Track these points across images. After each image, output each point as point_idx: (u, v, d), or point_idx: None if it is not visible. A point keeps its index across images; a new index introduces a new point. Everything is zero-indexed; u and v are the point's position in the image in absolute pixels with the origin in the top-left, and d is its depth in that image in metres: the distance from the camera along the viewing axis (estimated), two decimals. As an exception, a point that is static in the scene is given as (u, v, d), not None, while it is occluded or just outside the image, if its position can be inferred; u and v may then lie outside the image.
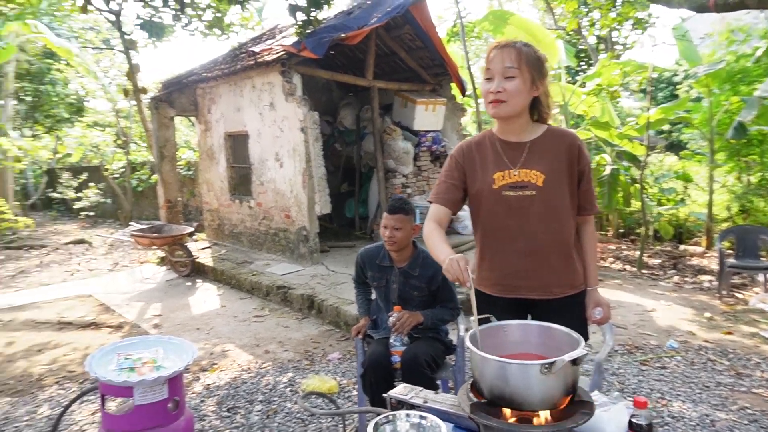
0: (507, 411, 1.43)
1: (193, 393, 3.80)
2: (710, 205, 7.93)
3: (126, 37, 7.61)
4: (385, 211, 2.78)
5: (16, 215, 11.65)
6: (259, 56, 6.84)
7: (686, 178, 8.76)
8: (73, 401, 2.43)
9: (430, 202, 2.08)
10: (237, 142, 8.11)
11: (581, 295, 2.09)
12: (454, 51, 8.47)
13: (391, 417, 1.69)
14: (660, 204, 8.53)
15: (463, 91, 8.36)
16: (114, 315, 6.04)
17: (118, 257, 9.50)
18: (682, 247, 8.32)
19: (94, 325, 5.69)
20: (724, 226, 7.97)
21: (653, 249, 8.09)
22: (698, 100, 8.39)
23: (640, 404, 1.39)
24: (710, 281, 6.44)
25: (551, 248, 1.99)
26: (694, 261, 7.45)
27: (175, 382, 2.07)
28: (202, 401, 3.65)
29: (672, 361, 4.14)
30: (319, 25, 5.77)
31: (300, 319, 5.55)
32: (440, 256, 1.84)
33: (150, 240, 7.57)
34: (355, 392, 3.65)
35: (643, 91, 10.98)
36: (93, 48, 15.30)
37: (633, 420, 1.41)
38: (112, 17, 7.84)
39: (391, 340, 2.67)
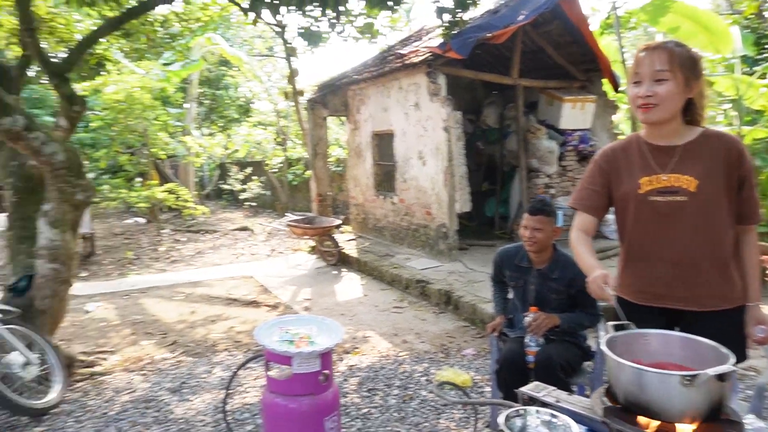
0: (643, 419, 1.42)
1: (337, 371, 4.15)
2: None
3: (288, 45, 8.39)
4: (525, 212, 2.81)
5: (195, 203, 13.45)
6: (406, 58, 7.13)
7: None
8: (244, 364, 2.84)
9: (572, 208, 2.08)
10: (383, 141, 8.52)
11: (739, 310, 1.94)
12: (607, 44, 7.98)
13: (521, 411, 1.76)
14: None
15: (615, 86, 7.87)
16: (271, 296, 6.74)
17: (275, 244, 10.51)
18: None
19: (254, 303, 6.42)
20: None
21: None
22: None
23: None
24: None
25: (703, 257, 1.89)
26: None
27: (325, 357, 2.34)
28: (345, 380, 3.98)
29: None
30: (465, 25, 5.85)
31: (437, 314, 5.72)
32: (586, 268, 1.86)
33: (303, 230, 8.29)
34: (487, 388, 3.72)
35: None
36: (259, 56, 17.01)
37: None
38: (277, 28, 8.69)
39: (527, 340, 2.69)
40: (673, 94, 1.82)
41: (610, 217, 2.10)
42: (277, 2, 4.84)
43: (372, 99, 8.55)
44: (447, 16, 5.44)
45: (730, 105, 7.52)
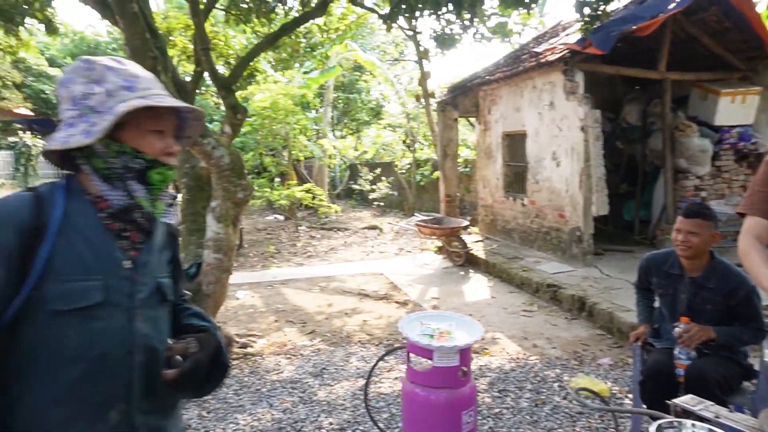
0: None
1: (467, 370, 4.21)
2: None
3: (421, 49, 8.61)
4: (680, 215, 2.63)
5: (328, 203, 14.28)
6: (541, 56, 6.96)
7: None
8: (385, 355, 3.03)
9: (740, 214, 1.93)
10: (514, 141, 8.39)
11: None
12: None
13: (675, 423, 1.69)
14: None
15: (787, 76, 6.96)
16: (400, 293, 6.97)
17: (403, 243, 10.80)
18: None
19: (385, 299, 6.68)
20: None
21: None
22: None
23: None
24: None
25: None
26: None
27: (464, 353, 2.42)
28: (475, 379, 4.03)
29: None
30: (608, 18, 5.57)
31: (569, 320, 5.52)
32: (761, 280, 1.71)
33: (431, 230, 8.44)
34: (626, 400, 3.54)
35: None
36: (391, 60, 17.55)
37: None
38: (410, 33, 8.95)
39: (676, 352, 2.54)
40: None
41: None
42: (415, 9, 5.01)
43: (504, 99, 8.45)
44: (588, 10, 5.24)
45: None
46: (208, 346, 1.26)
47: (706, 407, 1.74)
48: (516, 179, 8.50)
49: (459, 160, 12.35)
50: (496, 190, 9.02)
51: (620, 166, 8.70)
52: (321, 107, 15.91)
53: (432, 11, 5.44)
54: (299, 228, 12.25)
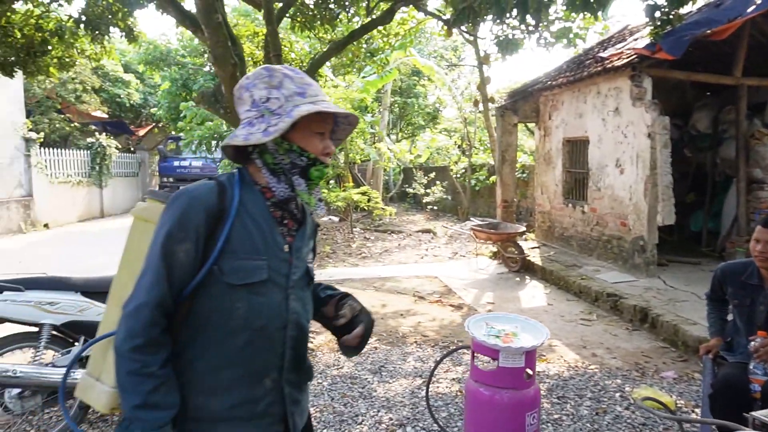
0: None
1: (525, 376, 4.20)
2: None
3: (483, 54, 8.60)
4: (758, 224, 2.57)
5: (382, 205, 14.44)
6: (607, 62, 6.82)
7: None
8: (451, 352, 3.11)
9: None
10: (575, 148, 8.24)
11: None
12: None
13: (753, 435, 1.67)
14: None
15: None
16: (455, 296, 6.99)
17: (457, 247, 10.79)
18: None
19: (439, 302, 6.72)
20: None
21: None
22: None
23: None
24: None
25: None
26: None
27: (530, 355, 2.45)
28: (533, 384, 4.01)
29: None
30: (680, 22, 5.41)
31: (630, 330, 5.39)
32: None
33: (487, 235, 8.41)
34: (693, 415, 3.44)
35: None
36: (450, 65, 17.57)
37: None
38: (471, 38, 8.97)
39: (751, 367, 2.47)
40: None
41: None
42: (480, 15, 5.05)
43: (565, 105, 8.32)
44: (658, 14, 5.12)
45: None
46: (363, 307, 1.52)
47: (787, 420, 1.71)
48: (576, 186, 8.34)
49: (516, 166, 12.24)
50: (554, 196, 8.88)
51: (688, 175, 8.38)
52: (378, 111, 16.12)
53: (496, 17, 5.45)
54: (354, 230, 12.45)
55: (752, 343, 2.48)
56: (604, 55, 7.14)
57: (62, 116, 15.92)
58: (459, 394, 3.81)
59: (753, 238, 2.58)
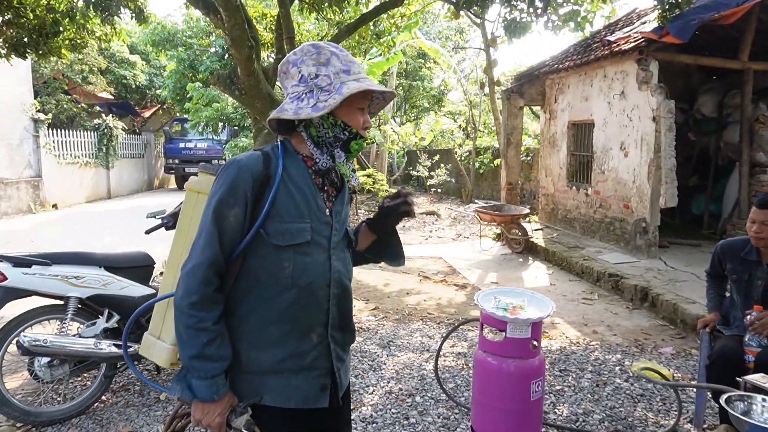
0: None
1: (528, 351, 4.35)
2: None
3: (491, 36, 8.60)
4: (754, 206, 2.69)
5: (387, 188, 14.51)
6: (615, 45, 6.86)
7: None
8: (460, 325, 3.26)
9: None
10: (580, 131, 8.31)
11: None
12: None
13: (745, 397, 1.81)
14: None
15: None
16: (459, 276, 7.14)
17: (461, 229, 10.92)
18: None
19: (444, 281, 6.87)
20: None
21: None
22: None
23: None
24: None
25: None
26: None
27: (536, 326, 2.58)
28: (536, 359, 4.17)
29: None
30: (689, 6, 5.45)
31: (630, 309, 5.54)
32: None
33: (492, 216, 8.52)
34: (692, 390, 3.59)
35: None
36: (457, 47, 17.49)
37: None
38: (478, 20, 8.97)
39: (746, 339, 2.60)
40: None
41: None
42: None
43: (571, 88, 8.37)
44: (667, -1, 5.16)
45: None
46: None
47: (776, 384, 1.84)
48: (580, 169, 8.43)
49: (521, 149, 12.29)
50: (558, 179, 8.97)
51: (691, 159, 8.46)
52: (383, 93, 16.10)
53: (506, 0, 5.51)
54: (358, 211, 12.58)
55: (748, 316, 2.61)
56: (611, 38, 7.16)
57: (69, 97, 15.97)
58: (465, 367, 3.97)
59: (749, 219, 2.70)
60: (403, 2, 5.37)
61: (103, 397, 3.43)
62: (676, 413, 3.13)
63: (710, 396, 2.99)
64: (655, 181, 6.54)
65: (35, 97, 13.52)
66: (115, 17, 6.96)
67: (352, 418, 3.14)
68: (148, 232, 3.63)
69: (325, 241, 1.46)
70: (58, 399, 3.38)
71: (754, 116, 7.02)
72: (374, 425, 3.14)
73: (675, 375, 3.81)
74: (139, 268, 3.51)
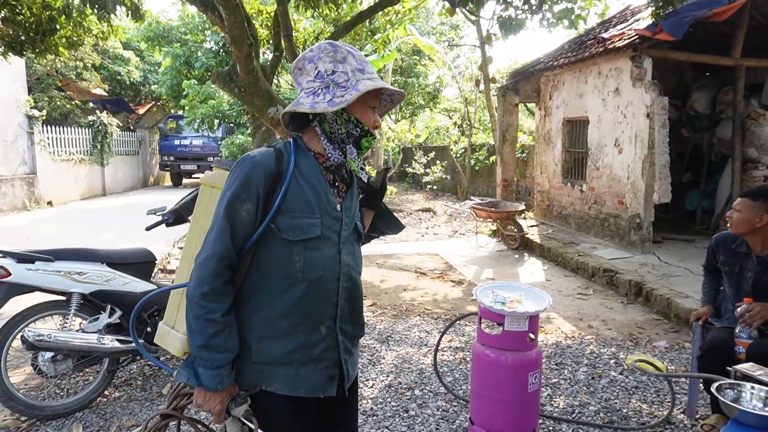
0: None
1: (525, 345, 4.41)
2: None
3: (486, 33, 8.62)
4: (738, 196, 2.78)
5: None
6: (609, 42, 6.92)
7: None
8: (458, 319, 3.32)
9: None
10: (575, 128, 8.38)
11: None
12: None
13: (735, 385, 1.88)
14: None
15: None
16: (455, 272, 7.20)
17: (457, 226, 10.98)
18: None
19: (441, 278, 6.93)
20: None
21: None
22: None
23: None
24: None
25: None
26: None
27: (533, 320, 2.64)
28: (533, 353, 4.23)
29: None
30: (682, 3, 5.51)
31: (625, 304, 5.61)
32: None
33: (487, 213, 8.59)
34: (684, 379, 3.66)
35: None
36: (452, 45, 17.52)
37: None
38: (473, 17, 9.00)
39: (737, 330, 2.67)
40: None
41: None
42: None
43: (566, 85, 8.43)
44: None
45: None
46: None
47: (766, 373, 1.91)
48: (575, 165, 8.50)
49: (516, 146, 12.35)
50: (553, 175, 9.04)
51: (685, 155, 8.55)
52: (378, 90, 16.12)
53: (501, -3, 5.55)
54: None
55: (738, 308, 2.68)
56: (605, 35, 7.22)
57: (62, 94, 15.90)
58: (463, 361, 4.03)
59: (733, 207, 2.79)
60: (399, 0, 5.40)
61: (106, 392, 3.47)
62: (669, 404, 3.20)
63: (702, 387, 3.07)
64: (649, 177, 6.62)
65: (28, 94, 13.46)
66: (111, 14, 6.94)
67: (353, 410, 3.20)
68: (148, 228, 3.66)
69: (335, 235, 1.50)
70: (62, 393, 3.42)
71: (746, 112, 7.10)
72: (374, 418, 3.20)
73: (669, 368, 3.88)
74: (140, 264, 3.55)
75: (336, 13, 7.82)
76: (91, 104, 17.41)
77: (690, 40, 7.83)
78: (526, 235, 8.38)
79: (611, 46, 6.83)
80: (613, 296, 5.88)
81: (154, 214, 3.64)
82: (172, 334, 1.61)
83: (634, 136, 6.78)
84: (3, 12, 5.97)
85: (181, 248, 7.85)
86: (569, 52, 8.48)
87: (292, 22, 9.35)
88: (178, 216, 3.44)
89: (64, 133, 14.24)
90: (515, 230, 8.39)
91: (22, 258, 3.13)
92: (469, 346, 4.29)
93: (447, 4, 7.25)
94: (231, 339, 1.40)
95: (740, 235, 2.79)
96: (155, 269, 3.74)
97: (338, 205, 1.52)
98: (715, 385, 1.84)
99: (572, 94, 8.26)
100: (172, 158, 18.26)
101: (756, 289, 2.74)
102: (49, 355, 3.17)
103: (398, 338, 4.59)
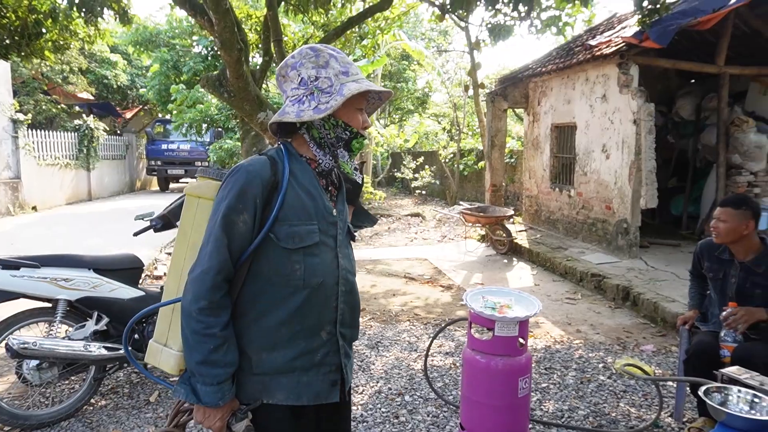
0: None
1: (514, 349, 4.43)
2: None
3: (475, 40, 8.71)
4: (718, 205, 2.83)
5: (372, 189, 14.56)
6: (596, 50, 7.00)
7: None
8: (449, 324, 3.31)
9: None
10: (563, 133, 8.45)
11: None
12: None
13: (722, 388, 1.90)
14: None
15: None
16: (444, 277, 7.21)
17: (446, 231, 11.01)
18: None
19: (430, 283, 6.94)
20: None
21: None
22: None
23: None
24: None
25: None
26: None
27: (523, 325, 2.65)
28: (522, 357, 4.24)
29: None
30: (667, 12, 5.60)
31: (613, 308, 5.66)
32: None
33: (476, 218, 8.62)
34: (671, 382, 3.70)
35: None
36: (441, 50, 17.62)
37: None
38: (462, 24, 9.07)
39: (722, 334, 2.70)
40: None
41: None
42: (474, 1, 5.18)
43: (554, 91, 8.51)
44: (646, 3, 5.30)
45: None
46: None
47: (752, 377, 1.93)
48: (563, 171, 8.57)
49: (505, 151, 12.43)
50: (542, 181, 9.11)
51: (671, 161, 8.65)
52: (368, 95, 16.16)
53: (489, 4, 5.60)
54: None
55: (723, 313, 2.72)
56: (593, 42, 7.31)
57: (48, 98, 15.72)
58: (453, 366, 4.03)
59: (715, 217, 2.83)
60: (390, 5, 5.42)
61: (93, 400, 3.42)
62: (657, 408, 3.23)
63: (689, 391, 3.10)
64: (635, 183, 6.69)
65: (13, 97, 13.29)
66: (99, 18, 6.90)
67: (343, 417, 3.18)
68: (136, 234, 3.63)
69: (332, 240, 1.49)
70: (47, 402, 3.36)
71: (730, 119, 7.22)
72: (365, 424, 3.19)
73: (656, 371, 3.92)
74: (127, 270, 3.51)
75: (325, 18, 7.84)
76: (77, 108, 17.25)
77: (675, 48, 7.95)
78: (515, 240, 8.42)
79: (598, 53, 6.91)
80: (600, 301, 5.93)
81: (142, 219, 3.60)
82: (165, 352, 1.55)
83: (621, 142, 6.85)
84: (-12, 15, 5.91)
85: (168, 254, 7.78)
86: (557, 58, 8.57)
87: (282, 27, 9.37)
88: (166, 221, 3.41)
89: (49, 137, 14.07)
90: (504, 235, 8.43)
91: (7, 264, 3.08)
92: (459, 351, 4.29)
93: (437, 11, 7.31)
94: (231, 353, 1.37)
95: (725, 244, 2.83)
96: (143, 275, 3.70)
97: (334, 210, 1.51)
98: (703, 388, 1.86)
99: (560, 100, 8.33)
100: (159, 163, 18.13)
101: (740, 294, 2.78)
102: (34, 363, 3.12)
103: (388, 344, 4.58)
